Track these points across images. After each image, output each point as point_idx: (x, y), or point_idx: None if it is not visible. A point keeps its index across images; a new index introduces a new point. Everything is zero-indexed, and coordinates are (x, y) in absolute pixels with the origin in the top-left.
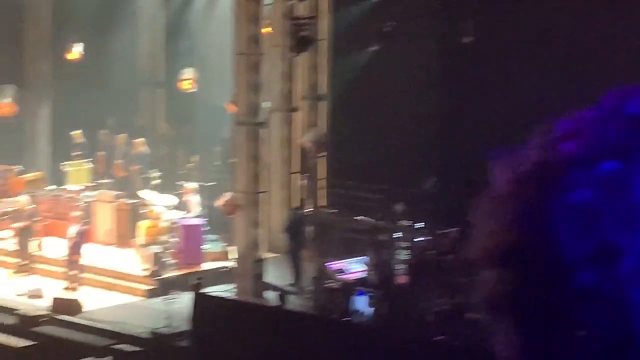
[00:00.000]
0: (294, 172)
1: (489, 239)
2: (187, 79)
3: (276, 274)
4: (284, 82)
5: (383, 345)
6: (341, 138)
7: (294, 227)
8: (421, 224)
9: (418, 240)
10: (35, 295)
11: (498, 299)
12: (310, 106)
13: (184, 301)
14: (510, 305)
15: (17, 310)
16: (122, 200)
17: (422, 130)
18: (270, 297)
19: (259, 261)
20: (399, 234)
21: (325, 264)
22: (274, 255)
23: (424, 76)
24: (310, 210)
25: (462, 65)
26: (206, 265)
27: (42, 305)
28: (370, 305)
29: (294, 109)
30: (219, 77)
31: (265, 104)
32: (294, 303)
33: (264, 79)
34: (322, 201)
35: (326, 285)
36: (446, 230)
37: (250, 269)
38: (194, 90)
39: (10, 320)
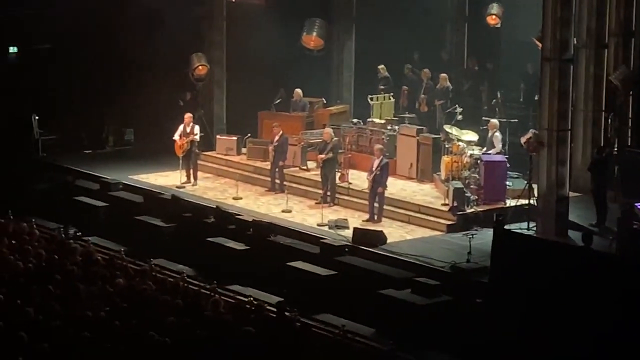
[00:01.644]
0: (600, 110)
1: None
2: (493, 14)
3: (579, 213)
4: (593, 18)
5: None
6: None
7: (599, 167)
8: None
9: None
10: (339, 225)
11: None
12: (620, 43)
13: (484, 237)
14: None
15: (321, 239)
16: (424, 134)
17: None
18: (574, 236)
19: (563, 200)
20: None
21: (632, 205)
22: (577, 194)
23: None
24: (616, 150)
25: None
26: (508, 202)
27: (344, 236)
28: None
29: (604, 45)
30: (526, 12)
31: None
32: (597, 244)
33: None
34: (629, 141)
35: (633, 227)
36: None
37: (553, 208)
38: (499, 25)
39: (314, 249)
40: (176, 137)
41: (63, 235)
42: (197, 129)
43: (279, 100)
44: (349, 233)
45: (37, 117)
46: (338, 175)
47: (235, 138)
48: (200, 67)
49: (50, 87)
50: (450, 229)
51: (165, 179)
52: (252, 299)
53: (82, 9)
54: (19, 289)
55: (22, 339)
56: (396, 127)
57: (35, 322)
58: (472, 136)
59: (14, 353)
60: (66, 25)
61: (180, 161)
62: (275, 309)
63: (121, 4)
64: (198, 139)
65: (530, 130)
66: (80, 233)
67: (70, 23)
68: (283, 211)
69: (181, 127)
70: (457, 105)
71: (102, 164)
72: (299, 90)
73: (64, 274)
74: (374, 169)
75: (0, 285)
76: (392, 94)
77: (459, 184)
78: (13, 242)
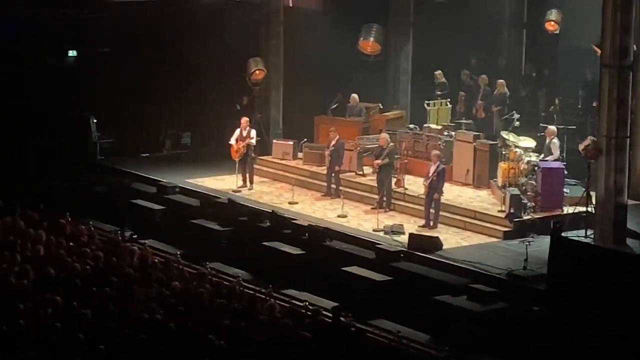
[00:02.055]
0: None
1: None
2: (552, 20)
3: (638, 221)
4: None
5: None
6: None
7: None
8: None
9: None
10: (395, 231)
11: None
12: None
13: (541, 244)
14: None
15: (376, 245)
16: (481, 141)
17: None
18: (632, 244)
19: (621, 207)
20: None
21: None
22: (636, 202)
23: None
24: None
25: None
26: (565, 210)
27: (400, 242)
28: None
29: None
30: (585, 18)
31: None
32: None
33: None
34: None
35: None
36: None
37: (611, 215)
38: (557, 31)
39: (369, 255)
40: (232, 141)
41: (120, 238)
42: (253, 133)
43: (335, 105)
44: (404, 239)
45: (95, 120)
46: (394, 180)
47: (291, 143)
48: (257, 71)
49: (109, 90)
50: (507, 235)
51: (221, 183)
52: (307, 303)
53: (140, 13)
54: (76, 290)
55: (79, 341)
56: (453, 133)
57: (92, 324)
58: (529, 143)
59: (71, 354)
60: (125, 29)
61: (237, 165)
62: (330, 314)
63: (179, 8)
64: (254, 143)
65: (589, 137)
66: (136, 236)
67: (129, 27)
68: (339, 216)
69: (237, 131)
70: (514, 112)
71: (159, 168)
72: (355, 96)
73: (120, 276)
74: (430, 174)
75: (58, 287)
76: (449, 99)
77: (516, 191)
78: (71, 244)
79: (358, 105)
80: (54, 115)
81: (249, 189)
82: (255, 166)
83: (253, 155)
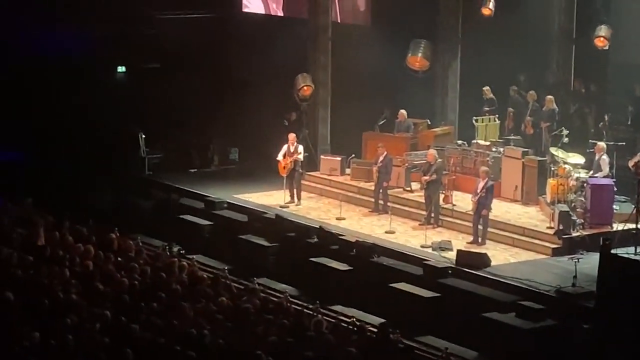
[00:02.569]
0: None
1: None
2: (601, 36)
3: None
4: None
5: None
6: None
7: None
8: None
9: None
10: (443, 247)
11: None
12: None
13: (590, 261)
14: None
15: (424, 261)
16: (530, 157)
17: None
18: None
19: None
20: None
21: None
22: None
23: None
24: None
25: None
26: (615, 226)
27: (448, 258)
28: None
29: None
30: (634, 34)
31: None
32: None
33: None
34: None
35: None
36: None
37: None
38: (607, 47)
39: (417, 271)
40: (280, 157)
41: (168, 253)
42: (300, 148)
43: (383, 121)
44: (452, 255)
45: (143, 136)
46: (442, 196)
47: (339, 158)
48: (305, 87)
49: (157, 106)
50: (556, 252)
51: (269, 199)
52: (354, 319)
53: (188, 29)
54: (124, 305)
55: (127, 356)
56: (501, 149)
57: (140, 339)
58: (578, 159)
59: None
60: (173, 45)
61: (284, 181)
62: (377, 330)
63: (227, 24)
64: (302, 159)
65: (638, 153)
66: (183, 251)
67: (178, 43)
68: (386, 232)
69: (285, 147)
70: (563, 128)
71: (207, 183)
72: (403, 111)
73: (168, 291)
74: (478, 190)
75: (106, 301)
76: (497, 115)
77: (565, 207)
78: (119, 259)
79: (406, 121)
80: (104, 130)
81: (297, 205)
82: (303, 182)
83: (301, 170)
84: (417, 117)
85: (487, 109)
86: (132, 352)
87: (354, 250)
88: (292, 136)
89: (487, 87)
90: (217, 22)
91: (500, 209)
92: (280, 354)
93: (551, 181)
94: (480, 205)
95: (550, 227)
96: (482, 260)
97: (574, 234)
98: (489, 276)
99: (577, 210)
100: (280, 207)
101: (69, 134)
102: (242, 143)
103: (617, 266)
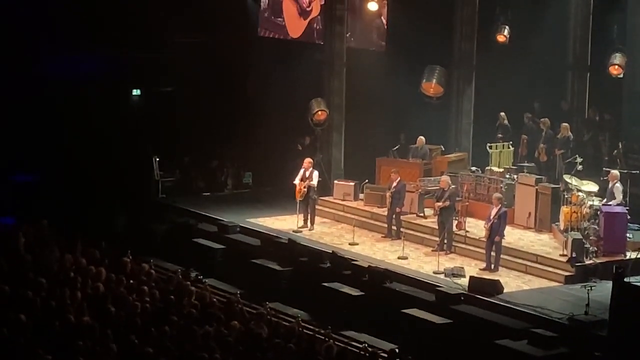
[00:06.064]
0: None
1: None
2: (616, 64)
3: None
4: None
5: None
6: None
7: None
8: None
9: None
10: (455, 274)
11: None
12: None
13: (603, 290)
14: None
15: (436, 287)
16: (543, 184)
17: None
18: None
19: None
20: None
21: None
22: None
23: None
24: None
25: None
26: (628, 255)
27: (460, 284)
28: None
29: None
30: None
31: None
32: None
33: None
34: None
35: None
36: None
37: None
38: (622, 75)
39: (429, 297)
40: (297, 181)
41: (181, 277)
42: (315, 174)
43: (397, 147)
44: (465, 281)
45: (157, 159)
46: (455, 223)
47: (352, 183)
48: (319, 112)
49: (171, 129)
50: (569, 280)
51: (282, 223)
52: (366, 345)
53: (203, 52)
54: (136, 329)
55: None
56: (515, 176)
57: None
58: (592, 187)
59: None
60: (188, 69)
61: (298, 205)
62: (388, 356)
63: (242, 48)
64: (315, 185)
65: None
66: (201, 277)
67: (192, 67)
68: (399, 258)
69: (302, 172)
70: (577, 155)
71: (220, 207)
72: (422, 138)
73: (180, 315)
74: (491, 217)
75: (119, 324)
76: (511, 142)
77: (578, 235)
78: (131, 282)
79: (424, 147)
80: (118, 153)
81: (310, 230)
82: (317, 207)
83: (315, 196)
84: (431, 143)
85: (500, 135)
86: None
87: (367, 276)
88: (307, 161)
89: (503, 113)
90: (232, 46)
91: (513, 236)
92: None
93: (564, 209)
94: (493, 232)
95: (563, 255)
96: (495, 287)
97: (587, 262)
98: (501, 303)
99: (590, 238)
100: (294, 231)
101: (84, 156)
102: (256, 167)
103: (630, 294)
